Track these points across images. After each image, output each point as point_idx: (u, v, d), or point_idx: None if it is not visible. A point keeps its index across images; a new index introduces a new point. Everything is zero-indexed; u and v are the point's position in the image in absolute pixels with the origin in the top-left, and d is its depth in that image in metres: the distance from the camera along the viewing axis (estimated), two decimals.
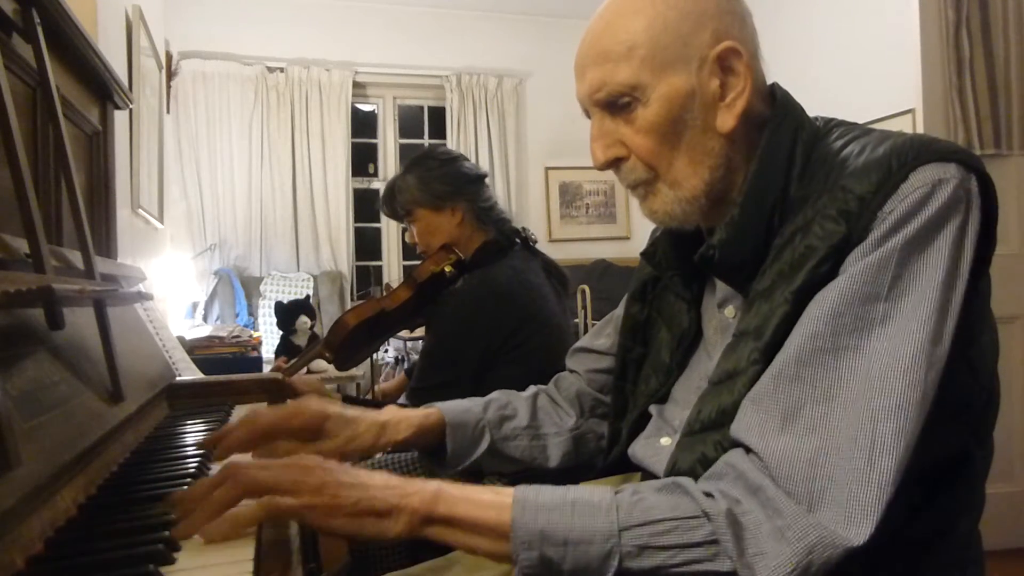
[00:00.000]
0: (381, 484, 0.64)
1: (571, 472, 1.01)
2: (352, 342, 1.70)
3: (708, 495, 0.62)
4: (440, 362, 1.56)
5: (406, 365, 4.01)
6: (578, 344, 1.10)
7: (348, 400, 1.66)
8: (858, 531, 0.57)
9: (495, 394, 1.03)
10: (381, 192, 1.79)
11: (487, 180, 1.73)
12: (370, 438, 0.87)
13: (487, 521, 0.63)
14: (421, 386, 1.56)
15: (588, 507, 0.62)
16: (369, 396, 2.11)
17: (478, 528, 0.64)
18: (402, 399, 2.18)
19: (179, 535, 0.59)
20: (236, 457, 0.78)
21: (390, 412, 0.92)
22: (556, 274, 1.73)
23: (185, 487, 0.70)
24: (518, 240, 1.71)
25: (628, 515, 0.61)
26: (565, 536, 0.61)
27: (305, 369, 1.72)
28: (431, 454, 0.98)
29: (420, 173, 1.67)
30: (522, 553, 0.61)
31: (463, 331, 1.54)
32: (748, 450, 0.64)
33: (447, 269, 1.65)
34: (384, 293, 1.75)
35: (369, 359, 1.90)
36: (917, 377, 0.60)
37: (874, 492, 0.57)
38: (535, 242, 1.75)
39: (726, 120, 0.74)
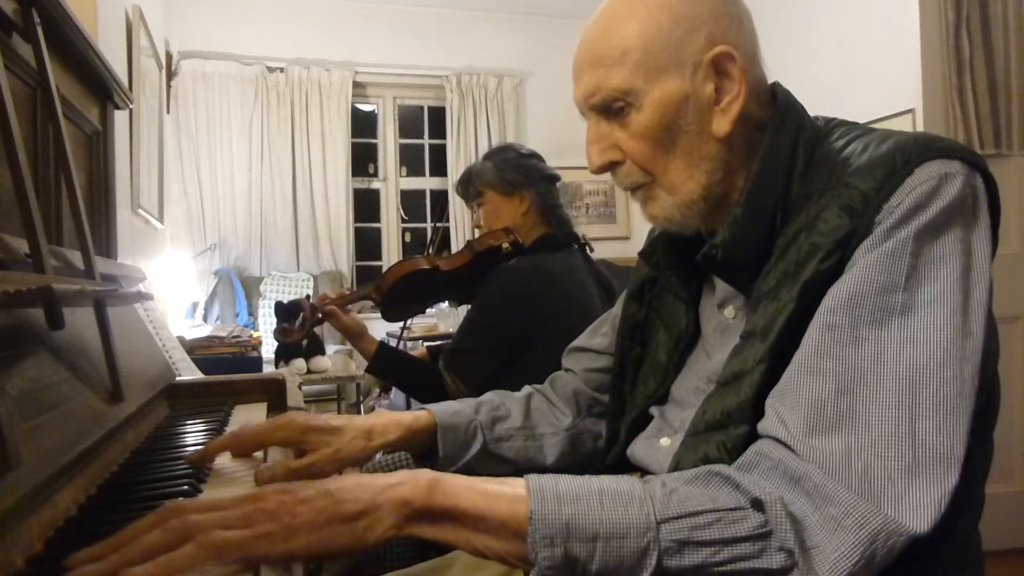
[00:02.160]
0: (352, 484, 0.56)
1: (568, 472, 1.01)
2: (401, 291, 1.73)
3: (754, 485, 0.58)
4: (480, 328, 1.63)
5: None
6: (574, 343, 1.10)
7: (384, 347, 1.70)
8: (919, 520, 0.54)
9: (488, 395, 1.03)
10: (457, 177, 1.90)
11: (558, 184, 1.81)
12: (359, 444, 0.85)
13: (497, 514, 0.55)
14: (458, 347, 1.63)
15: (618, 497, 0.56)
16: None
17: (486, 523, 0.56)
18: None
19: None
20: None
21: (377, 416, 0.92)
22: (605, 283, 1.79)
23: (185, 484, 0.70)
24: (576, 245, 1.78)
25: (665, 506, 0.56)
26: (595, 530, 0.54)
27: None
28: (423, 456, 0.98)
29: (498, 160, 1.77)
30: (542, 551, 0.54)
31: (508, 304, 1.60)
32: (778, 441, 0.61)
33: (504, 246, 1.71)
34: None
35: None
36: (952, 372, 0.59)
37: (924, 493, 0.56)
38: (592, 251, 1.82)
39: (721, 124, 0.74)
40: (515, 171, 1.74)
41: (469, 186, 1.80)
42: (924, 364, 0.59)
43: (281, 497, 0.53)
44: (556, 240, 1.74)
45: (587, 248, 1.80)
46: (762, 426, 0.64)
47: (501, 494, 0.57)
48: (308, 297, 1.79)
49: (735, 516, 0.56)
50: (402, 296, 1.75)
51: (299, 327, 1.76)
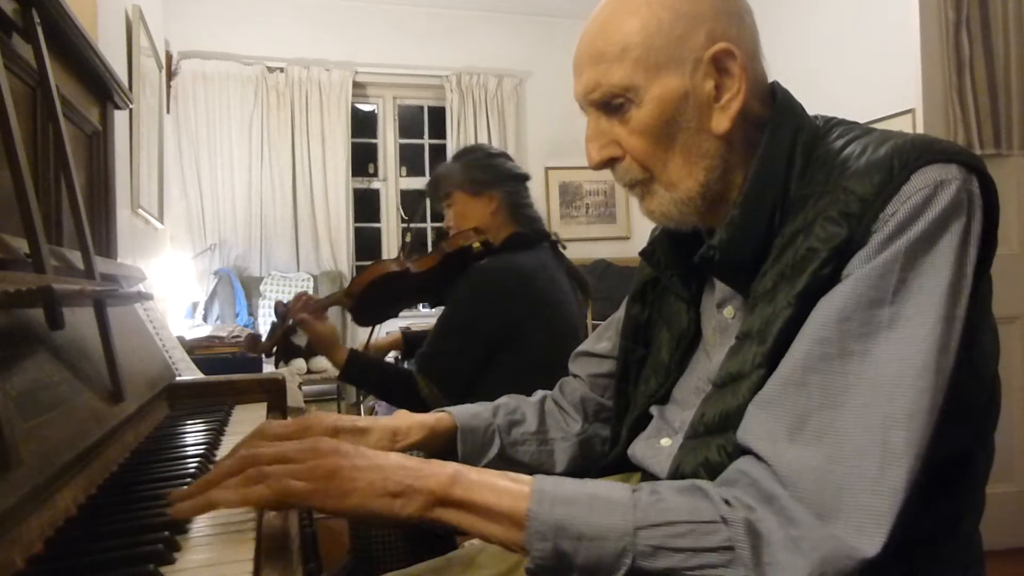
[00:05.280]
0: (396, 464, 0.65)
1: (576, 474, 1.01)
2: (372, 295, 1.71)
3: (727, 502, 0.61)
4: (453, 330, 1.60)
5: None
6: (580, 348, 1.10)
7: (355, 355, 1.66)
8: (871, 541, 0.56)
9: (503, 399, 1.04)
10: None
11: (528, 183, 1.80)
12: (385, 445, 0.88)
13: (502, 508, 0.63)
14: (431, 351, 1.60)
15: (606, 503, 0.62)
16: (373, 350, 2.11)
17: (492, 515, 0.63)
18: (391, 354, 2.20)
19: (180, 513, 0.61)
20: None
21: (401, 418, 0.92)
22: (579, 279, 1.78)
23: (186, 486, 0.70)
24: (547, 242, 1.76)
25: (645, 514, 0.61)
26: (580, 530, 0.61)
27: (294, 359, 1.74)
28: (442, 457, 0.98)
29: (466, 160, 1.76)
30: (536, 544, 0.61)
31: (481, 303, 1.58)
32: (758, 457, 0.63)
33: (475, 246, 1.70)
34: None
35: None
36: (927, 385, 0.59)
37: (886, 502, 0.57)
38: (564, 248, 1.80)
39: (721, 121, 0.74)
40: (482, 171, 1.73)
41: (438, 188, 1.79)
42: (903, 377, 0.60)
43: (339, 460, 0.63)
44: (526, 238, 1.72)
45: (558, 245, 1.79)
46: (742, 434, 0.66)
47: (508, 490, 0.64)
48: (284, 303, 1.75)
49: (708, 529, 0.60)
50: (374, 300, 1.73)
51: (269, 336, 1.72)
